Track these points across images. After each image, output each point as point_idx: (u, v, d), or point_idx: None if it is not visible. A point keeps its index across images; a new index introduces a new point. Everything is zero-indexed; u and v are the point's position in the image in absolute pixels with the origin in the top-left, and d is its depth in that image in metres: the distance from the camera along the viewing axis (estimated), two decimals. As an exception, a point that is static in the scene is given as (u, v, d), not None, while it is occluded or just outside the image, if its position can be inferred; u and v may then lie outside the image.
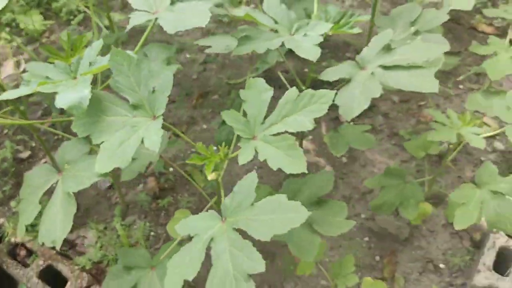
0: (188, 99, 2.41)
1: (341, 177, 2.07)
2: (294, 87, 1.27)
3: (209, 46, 1.60)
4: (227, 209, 1.10)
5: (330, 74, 1.33)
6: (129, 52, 1.23)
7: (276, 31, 1.42)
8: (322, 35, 1.39)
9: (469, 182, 1.38)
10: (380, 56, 1.35)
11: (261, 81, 1.29)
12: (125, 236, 1.76)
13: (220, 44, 1.57)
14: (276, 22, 1.45)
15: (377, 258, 1.82)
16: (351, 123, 2.26)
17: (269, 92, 1.27)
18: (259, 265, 0.94)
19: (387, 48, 1.35)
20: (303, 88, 1.61)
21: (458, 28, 2.72)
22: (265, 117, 1.25)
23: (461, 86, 2.40)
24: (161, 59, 1.66)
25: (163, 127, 1.17)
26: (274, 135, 1.20)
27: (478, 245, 1.82)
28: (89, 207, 2.00)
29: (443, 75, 2.45)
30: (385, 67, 1.30)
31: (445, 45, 1.51)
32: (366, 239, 1.88)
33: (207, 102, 2.40)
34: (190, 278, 0.99)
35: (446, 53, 2.47)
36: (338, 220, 1.29)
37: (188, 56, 2.61)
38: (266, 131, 1.22)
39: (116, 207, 1.95)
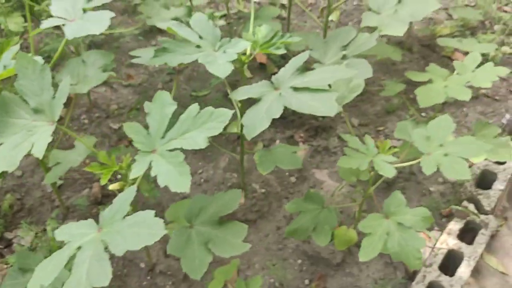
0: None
1: (287, 197, 2.05)
2: (196, 104, 1.27)
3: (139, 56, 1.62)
4: (104, 220, 1.10)
5: (241, 93, 1.33)
6: (35, 57, 1.25)
7: (198, 46, 1.43)
8: (242, 53, 1.39)
9: (378, 213, 1.35)
10: (294, 77, 1.34)
11: (166, 94, 1.30)
12: (54, 239, 1.77)
13: (149, 55, 1.58)
14: (201, 38, 1.46)
15: (306, 281, 1.78)
16: (306, 144, 2.25)
17: (172, 106, 1.28)
18: (105, 280, 0.94)
19: (302, 70, 1.34)
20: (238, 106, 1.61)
21: (433, 55, 2.69)
22: (167, 131, 1.25)
23: (423, 114, 2.36)
24: (97, 66, 1.68)
25: (62, 132, 1.18)
26: (171, 150, 1.20)
27: (412, 277, 1.77)
28: (32, 207, 2.02)
29: (407, 102, 2.41)
30: (295, 89, 1.29)
31: (367, 72, 1.50)
32: (299, 261, 1.84)
33: (167, 112, 2.40)
34: (46, 284, 0.98)
35: (404, 82, 2.43)
36: (235, 241, 1.28)
37: (157, 65, 2.63)
38: (165, 145, 1.22)
39: (55, 210, 1.97)
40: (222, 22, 2.92)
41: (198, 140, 1.17)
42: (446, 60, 2.65)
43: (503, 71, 1.66)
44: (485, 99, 2.46)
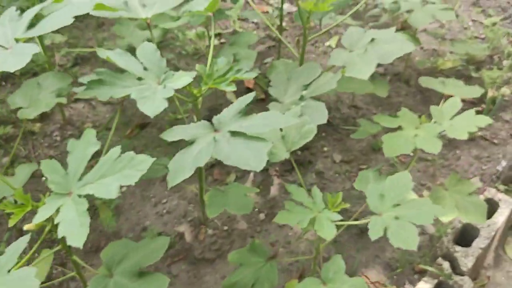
0: (125, 128, 2.34)
1: (252, 235, 1.92)
2: (118, 147, 1.17)
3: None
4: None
5: (174, 134, 1.21)
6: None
7: (140, 78, 1.32)
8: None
9: (316, 277, 1.21)
10: (235, 120, 1.22)
11: (92, 133, 1.19)
12: None
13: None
14: (146, 69, 1.36)
15: (257, 333, 1.65)
16: (280, 178, 2.12)
17: (95, 147, 1.18)
18: None
19: (243, 112, 1.22)
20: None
21: (430, 91, 2.51)
22: (84, 174, 1.15)
23: (411, 153, 2.20)
24: (51, 90, 1.59)
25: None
26: (82, 195, 1.10)
27: (373, 339, 1.62)
28: (-12, 227, 1.95)
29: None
30: (233, 133, 1.17)
31: (322, 117, 1.37)
32: (253, 309, 1.71)
33: (143, 133, 2.32)
34: None
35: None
36: (151, 297, 1.16)
37: (140, 84, 2.55)
38: (81, 189, 1.12)
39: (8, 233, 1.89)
40: (215, 41, 2.82)
41: (111, 188, 1.07)
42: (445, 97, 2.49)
43: (484, 121, 1.49)
44: (482, 142, 2.28)
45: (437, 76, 2.60)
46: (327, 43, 2.82)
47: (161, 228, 1.91)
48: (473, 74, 2.55)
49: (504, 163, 2.16)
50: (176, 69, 2.66)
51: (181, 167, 1.13)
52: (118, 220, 1.97)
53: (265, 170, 2.16)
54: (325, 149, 2.25)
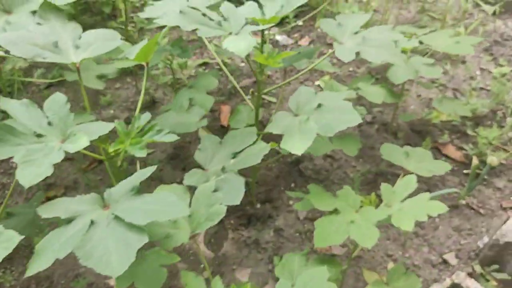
0: (84, 160, 2.23)
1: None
2: None
3: None
4: None
5: (51, 209, 1.08)
6: None
7: (40, 136, 1.20)
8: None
9: None
10: (126, 198, 1.07)
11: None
12: None
13: None
14: (50, 124, 1.23)
15: None
16: (235, 232, 1.95)
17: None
18: None
19: (137, 190, 1.07)
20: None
21: (420, 144, 2.29)
22: None
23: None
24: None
25: None
26: None
27: None
28: None
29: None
30: (116, 217, 1.02)
31: (235, 197, 1.20)
32: None
33: (101, 168, 2.20)
34: None
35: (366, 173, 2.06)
36: None
37: (111, 111, 2.44)
38: None
39: None
40: (199, 71, 2.69)
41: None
42: (435, 153, 2.26)
43: (438, 209, 1.28)
44: (466, 211, 2.04)
45: (430, 129, 2.39)
46: (317, 82, 2.64)
47: (92, 279, 1.78)
48: (469, 132, 2.32)
49: (486, 239, 1.92)
50: (152, 99, 2.55)
51: (45, 253, 0.99)
52: (53, 263, 1.85)
53: (219, 221, 1.99)
54: (291, 202, 2.07)
